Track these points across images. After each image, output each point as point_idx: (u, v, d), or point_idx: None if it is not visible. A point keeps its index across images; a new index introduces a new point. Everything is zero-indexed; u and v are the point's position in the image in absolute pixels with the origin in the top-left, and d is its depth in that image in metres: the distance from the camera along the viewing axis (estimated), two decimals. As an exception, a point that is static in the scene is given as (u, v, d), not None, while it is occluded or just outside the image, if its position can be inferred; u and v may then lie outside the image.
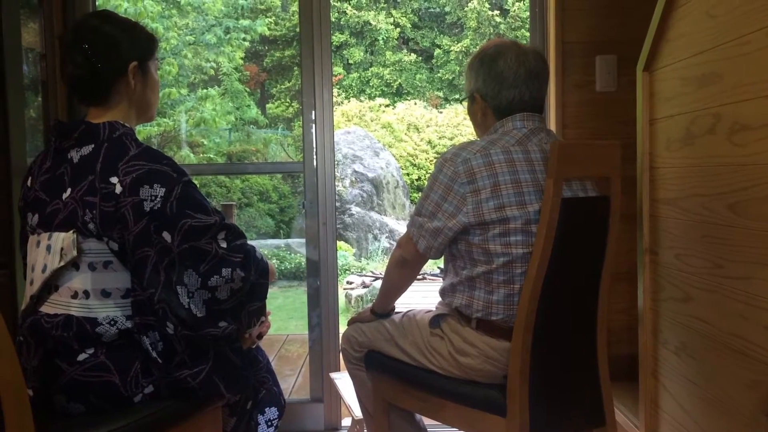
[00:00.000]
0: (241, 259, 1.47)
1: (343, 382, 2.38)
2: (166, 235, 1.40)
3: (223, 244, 1.45)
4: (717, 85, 1.57)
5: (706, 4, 1.62)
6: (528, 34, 2.73)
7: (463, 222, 1.59)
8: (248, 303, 1.52)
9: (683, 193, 1.76)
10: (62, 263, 1.41)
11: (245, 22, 11.28)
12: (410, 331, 1.78)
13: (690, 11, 1.71)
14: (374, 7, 14.57)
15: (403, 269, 1.77)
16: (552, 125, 2.59)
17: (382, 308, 1.90)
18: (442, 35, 14.64)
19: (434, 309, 1.81)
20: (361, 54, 14.31)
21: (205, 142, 10.85)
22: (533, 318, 1.55)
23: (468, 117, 1.82)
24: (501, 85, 1.67)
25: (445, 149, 1.75)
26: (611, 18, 2.55)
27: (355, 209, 9.57)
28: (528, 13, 2.71)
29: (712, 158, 1.60)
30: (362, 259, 9.21)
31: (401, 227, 9.36)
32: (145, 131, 9.55)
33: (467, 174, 1.58)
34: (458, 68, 13.59)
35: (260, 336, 1.69)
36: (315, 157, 2.64)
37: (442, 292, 1.75)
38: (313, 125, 2.64)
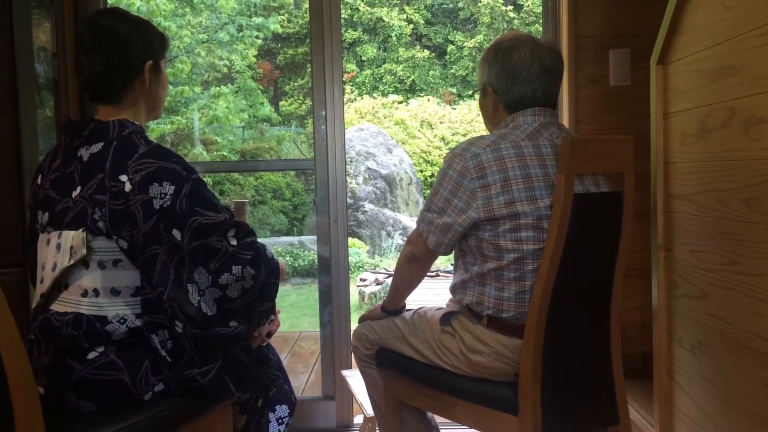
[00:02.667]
0: (252, 256, 1.47)
1: (355, 379, 2.38)
2: (176, 233, 1.39)
3: (233, 242, 1.45)
4: (732, 78, 1.54)
5: (720, -5, 1.59)
6: (541, 29, 2.71)
7: (473, 218, 1.57)
8: (258, 303, 1.52)
9: (698, 188, 1.73)
10: (72, 261, 1.41)
11: (258, 20, 11.29)
12: (421, 328, 1.77)
13: (704, 3, 1.68)
14: (387, 4, 14.54)
15: (414, 266, 1.76)
16: (565, 120, 2.57)
17: (392, 305, 1.89)
18: (455, 31, 14.58)
19: (445, 306, 1.79)
20: (374, 51, 14.29)
21: (219, 140, 10.87)
22: (545, 315, 1.53)
23: (479, 109, 1.80)
24: (514, 80, 1.65)
25: (458, 145, 1.73)
26: (625, 11, 2.52)
27: (368, 206, 9.56)
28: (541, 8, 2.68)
29: (727, 152, 1.57)
30: (375, 256, 9.20)
31: (415, 224, 9.34)
32: (158, 129, 9.59)
33: (477, 169, 1.57)
34: (472, 64, 13.53)
35: (270, 334, 1.68)
36: (326, 154, 2.63)
37: (453, 289, 1.74)
38: (324, 122, 2.63)
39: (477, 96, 1.78)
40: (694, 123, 1.74)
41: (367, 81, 14.06)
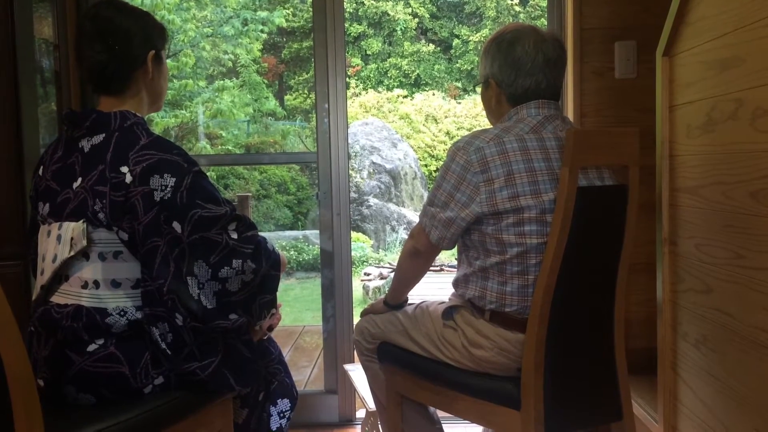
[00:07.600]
0: (252, 250, 1.46)
1: (357, 373, 2.37)
2: (176, 225, 1.39)
3: (234, 235, 1.44)
4: (739, 69, 1.52)
5: (728, -15, 1.57)
6: (546, 22, 2.68)
7: (476, 212, 1.56)
8: (259, 295, 1.51)
9: (704, 181, 1.71)
10: (72, 253, 1.41)
11: (263, 14, 11.27)
12: (423, 322, 1.76)
13: (711, -6, 1.66)
14: (392, -2, 14.50)
15: (416, 260, 1.75)
16: (570, 113, 2.55)
17: (394, 300, 1.88)
18: (460, 25, 14.53)
19: (447, 300, 1.78)
20: (379, 45, 14.26)
21: (224, 134, 10.88)
22: (548, 309, 1.51)
23: (481, 102, 1.78)
24: (518, 73, 1.63)
25: (463, 140, 1.71)
26: (630, 3, 2.49)
27: (372, 200, 9.56)
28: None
29: (733, 145, 1.55)
30: (380, 250, 9.20)
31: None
32: (162, 123, 9.59)
33: (480, 163, 1.55)
34: (477, 59, 13.44)
35: (271, 328, 1.67)
36: (329, 147, 2.62)
37: (455, 284, 1.73)
38: (327, 115, 2.62)
39: (479, 89, 1.76)
40: (701, 115, 1.72)
41: (371, 75, 14.04)
